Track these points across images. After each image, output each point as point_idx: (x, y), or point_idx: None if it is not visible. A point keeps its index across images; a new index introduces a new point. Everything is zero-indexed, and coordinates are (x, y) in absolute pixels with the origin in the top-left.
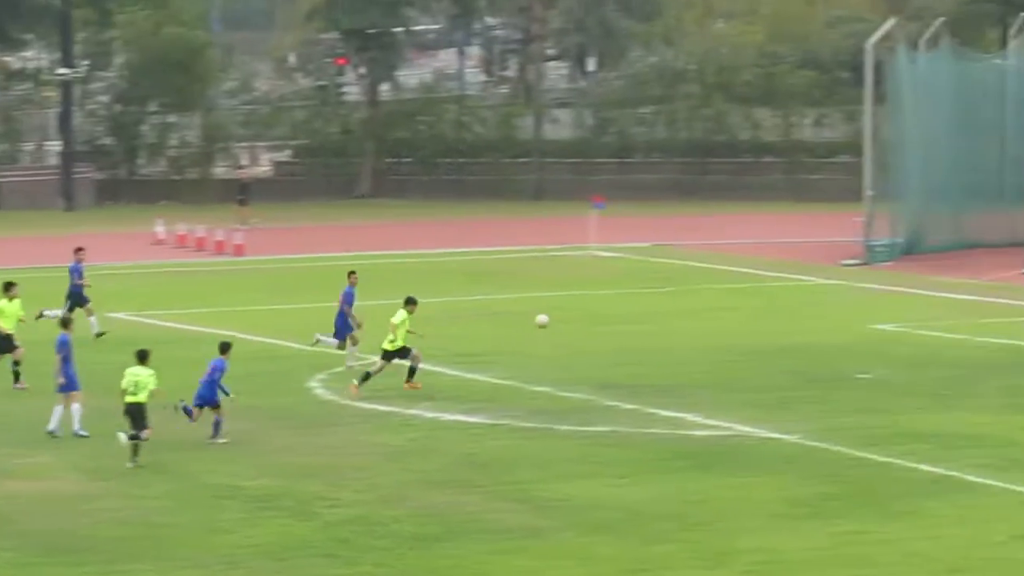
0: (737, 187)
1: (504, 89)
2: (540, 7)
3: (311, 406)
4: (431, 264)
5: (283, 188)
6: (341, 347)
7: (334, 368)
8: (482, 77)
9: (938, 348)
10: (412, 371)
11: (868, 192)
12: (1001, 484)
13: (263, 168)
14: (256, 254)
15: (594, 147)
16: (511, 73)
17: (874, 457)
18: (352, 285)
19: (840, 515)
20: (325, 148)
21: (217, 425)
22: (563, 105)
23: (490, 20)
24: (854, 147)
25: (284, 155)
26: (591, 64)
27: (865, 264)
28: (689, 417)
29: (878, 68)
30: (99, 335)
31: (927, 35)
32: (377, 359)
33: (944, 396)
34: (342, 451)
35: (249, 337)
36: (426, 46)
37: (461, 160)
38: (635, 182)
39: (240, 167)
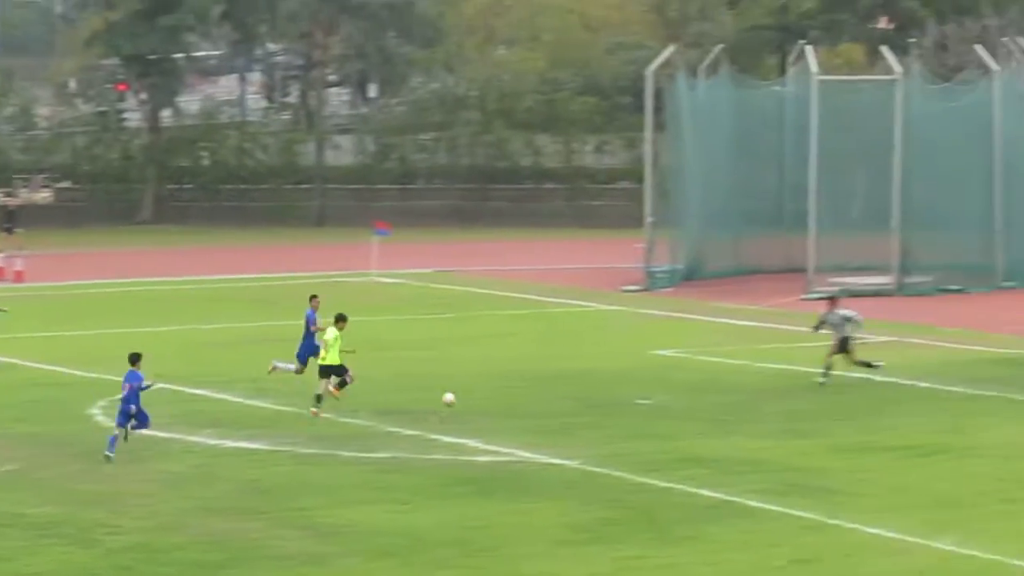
0: (519, 213)
1: (286, 115)
2: (321, 34)
3: (93, 433)
4: (213, 290)
5: (64, 214)
6: (300, 371)
7: (115, 396)
8: (264, 103)
9: (718, 374)
10: (343, 384)
11: (649, 218)
12: (780, 509)
13: (43, 194)
14: (37, 280)
15: (376, 173)
16: (293, 99)
17: (655, 482)
18: (314, 309)
19: (621, 540)
20: (106, 174)
21: (113, 441)
22: (345, 131)
23: (271, 46)
24: (635, 173)
25: (65, 182)
26: (372, 90)
27: (646, 290)
28: (471, 443)
29: (658, 95)
30: None
31: (706, 62)
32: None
33: (724, 421)
34: (124, 478)
35: (30, 364)
36: (207, 72)
37: (243, 186)
38: (417, 208)
39: (8, 194)
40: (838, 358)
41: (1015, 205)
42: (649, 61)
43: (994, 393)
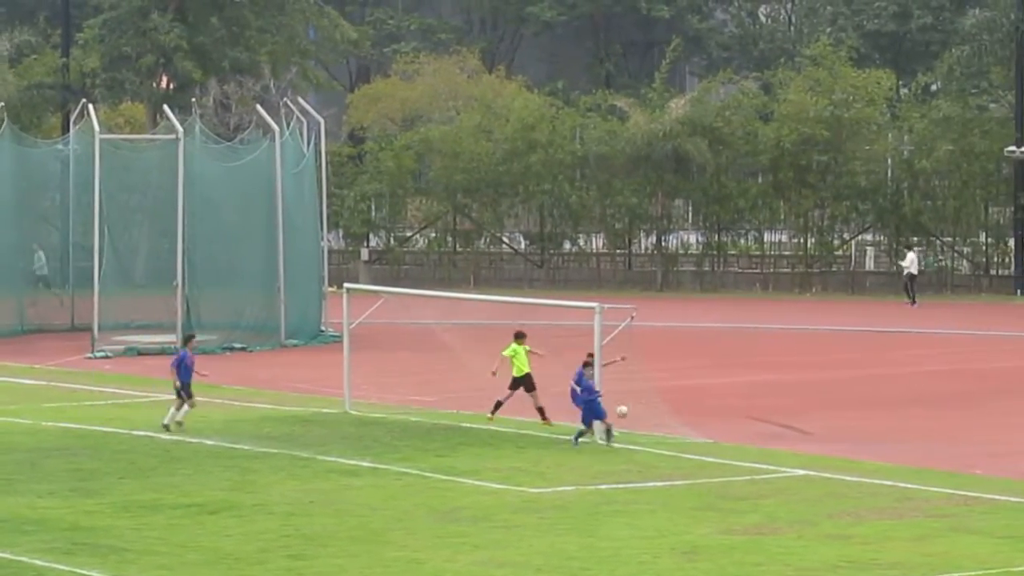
0: None
1: None
2: None
3: None
4: None
5: None
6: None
7: None
8: None
9: (2, 433)
10: (541, 410)
11: None
12: (68, 568)
13: None
14: None
15: None
16: None
17: None
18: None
19: None
20: None
21: (608, 432)
22: None
23: None
24: None
25: None
26: None
27: None
28: None
29: None
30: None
31: None
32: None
33: (9, 481)
34: None
35: None
36: None
37: None
38: None
39: None
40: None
41: (296, 264)
42: None
43: (279, 450)
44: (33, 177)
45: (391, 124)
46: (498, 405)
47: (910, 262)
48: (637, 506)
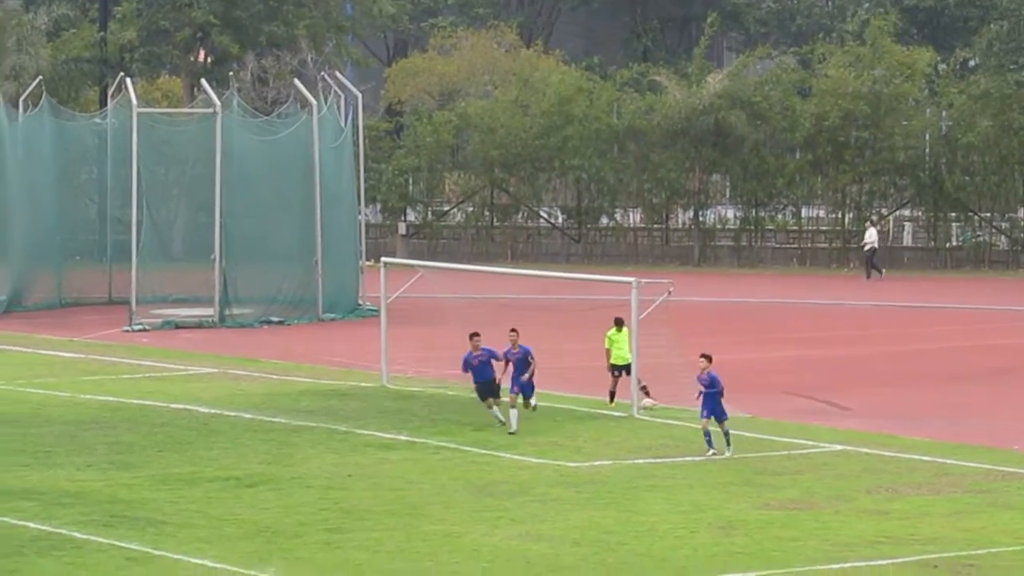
0: None
1: None
2: None
3: None
4: None
5: None
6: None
7: None
8: None
9: (41, 405)
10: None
11: None
12: (106, 540)
13: None
14: None
15: None
16: None
17: None
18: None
19: None
20: None
21: (726, 436)
22: None
23: None
24: None
25: None
26: None
27: None
28: None
29: None
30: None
31: (26, 94)
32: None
33: (49, 453)
34: None
35: None
36: None
37: None
38: None
39: None
40: None
41: (333, 238)
42: None
43: (316, 424)
44: (71, 151)
45: (428, 99)
46: (612, 395)
47: (871, 237)
48: (674, 481)
